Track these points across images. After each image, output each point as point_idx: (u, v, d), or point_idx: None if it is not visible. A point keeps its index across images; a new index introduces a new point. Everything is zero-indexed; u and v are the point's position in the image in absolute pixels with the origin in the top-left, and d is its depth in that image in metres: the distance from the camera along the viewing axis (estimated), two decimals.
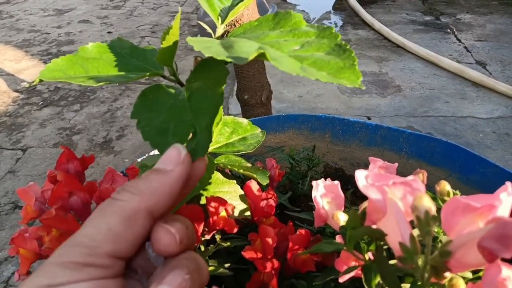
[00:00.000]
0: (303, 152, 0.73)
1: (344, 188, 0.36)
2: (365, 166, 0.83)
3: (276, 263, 0.40)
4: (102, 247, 0.20)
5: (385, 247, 0.27)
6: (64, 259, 0.19)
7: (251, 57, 0.21)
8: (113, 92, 1.90)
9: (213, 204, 0.39)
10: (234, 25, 0.85)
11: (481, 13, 2.70)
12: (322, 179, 0.35)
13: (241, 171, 0.43)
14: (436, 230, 0.22)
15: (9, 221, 1.20)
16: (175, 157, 0.23)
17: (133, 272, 0.24)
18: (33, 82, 0.30)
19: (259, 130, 0.47)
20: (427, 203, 0.22)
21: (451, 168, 0.70)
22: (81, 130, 1.63)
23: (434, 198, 0.32)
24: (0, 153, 1.50)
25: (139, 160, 0.56)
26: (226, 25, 0.33)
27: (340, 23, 2.63)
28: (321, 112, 1.65)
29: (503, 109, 1.64)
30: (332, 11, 2.86)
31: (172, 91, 0.27)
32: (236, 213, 0.43)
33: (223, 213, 0.39)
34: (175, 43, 0.27)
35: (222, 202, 0.39)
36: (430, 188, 0.31)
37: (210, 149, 0.44)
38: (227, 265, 0.42)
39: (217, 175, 0.44)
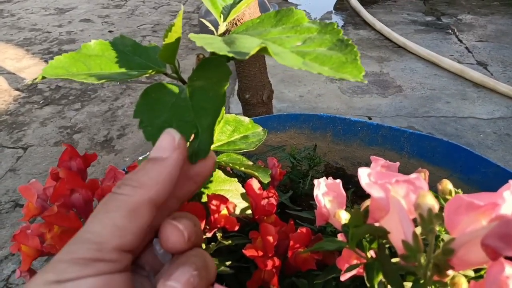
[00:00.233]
0: (304, 151, 0.73)
1: (345, 188, 0.36)
2: (366, 165, 0.82)
3: (277, 261, 0.40)
4: (109, 242, 0.20)
5: (387, 245, 0.27)
6: (72, 255, 0.19)
7: (252, 52, 0.21)
8: (114, 91, 1.90)
9: (214, 202, 0.39)
10: (236, 24, 0.85)
11: (482, 14, 2.70)
12: (324, 177, 0.35)
13: (243, 169, 0.43)
14: (438, 228, 0.22)
15: (9, 220, 1.20)
16: (169, 143, 0.23)
17: (141, 269, 0.24)
18: (35, 79, 0.30)
19: (261, 128, 0.47)
20: (430, 201, 0.22)
21: (452, 168, 0.70)
22: (82, 129, 1.63)
23: (436, 197, 0.32)
24: (1, 151, 1.50)
25: (140, 158, 0.56)
26: (228, 23, 0.33)
27: (341, 23, 2.63)
28: (322, 111, 1.65)
29: (504, 109, 1.64)
30: (333, 11, 2.86)
31: (175, 89, 0.27)
32: (237, 211, 0.43)
33: (224, 211, 0.39)
34: (178, 40, 0.27)
35: (223, 200, 0.39)
36: (432, 187, 0.31)
37: (212, 147, 0.44)
38: (228, 263, 0.42)
39: (218, 173, 0.44)
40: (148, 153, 0.61)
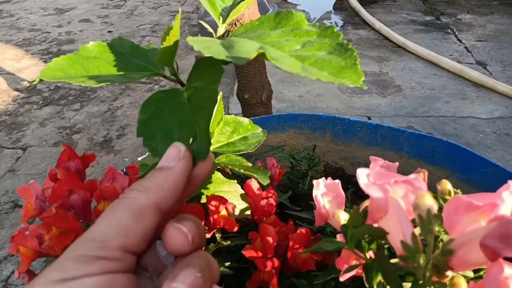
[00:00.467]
0: (304, 152, 0.73)
1: (344, 188, 0.36)
2: (366, 165, 0.82)
3: (276, 262, 0.40)
4: (113, 240, 0.20)
5: (386, 246, 0.27)
6: (76, 253, 0.20)
7: (251, 57, 0.21)
8: (113, 91, 1.90)
9: (213, 203, 0.39)
10: (235, 24, 0.85)
11: (481, 13, 2.70)
12: (323, 178, 0.35)
13: (242, 170, 0.43)
14: (437, 229, 0.22)
15: (8, 220, 1.20)
16: (175, 154, 0.23)
17: (144, 270, 0.24)
18: (33, 81, 0.30)
19: (260, 129, 0.47)
20: (429, 202, 0.22)
21: (452, 168, 0.70)
22: (81, 129, 1.63)
23: (435, 197, 0.32)
24: (0, 152, 1.50)
25: (139, 159, 0.56)
26: (227, 24, 0.33)
27: (340, 23, 2.63)
28: (321, 112, 1.65)
29: (503, 109, 1.64)
30: (332, 11, 2.86)
31: (173, 93, 0.27)
32: (236, 212, 0.43)
33: (223, 212, 0.39)
34: (176, 43, 0.27)
35: (222, 201, 0.39)
36: (431, 187, 0.31)
37: (211, 148, 0.44)
38: (227, 264, 0.42)
39: (217, 175, 0.44)
40: (147, 154, 0.61)
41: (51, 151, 1.50)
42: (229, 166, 0.43)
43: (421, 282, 0.22)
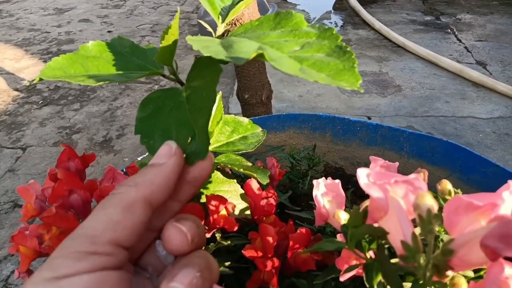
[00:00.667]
0: (304, 152, 0.73)
1: (344, 188, 0.36)
2: (366, 165, 0.82)
3: (276, 262, 0.40)
4: (103, 235, 0.20)
5: (386, 245, 0.27)
6: (67, 250, 0.20)
7: (250, 58, 0.21)
8: (113, 91, 1.90)
9: (213, 202, 0.39)
10: (235, 24, 0.85)
11: (481, 13, 2.70)
12: (323, 178, 0.35)
13: (242, 170, 0.43)
14: (437, 229, 0.22)
15: (8, 220, 1.20)
16: (167, 151, 0.24)
17: (143, 270, 0.24)
18: (33, 80, 0.30)
19: (260, 129, 0.47)
20: (429, 202, 0.22)
21: (452, 167, 0.70)
22: (81, 129, 1.63)
23: (435, 197, 0.32)
24: (0, 151, 1.50)
25: (139, 158, 0.56)
26: (226, 24, 0.33)
27: (340, 22, 2.63)
28: (321, 111, 1.65)
29: (503, 109, 1.64)
30: (332, 11, 2.86)
31: (172, 93, 0.27)
32: (236, 212, 0.43)
33: (223, 212, 0.39)
34: (175, 42, 0.27)
35: (222, 200, 0.39)
36: (431, 187, 0.31)
37: (211, 148, 0.44)
38: (227, 263, 0.41)
39: (217, 174, 0.44)
40: (147, 154, 0.61)
41: (50, 151, 1.50)
42: (229, 166, 0.43)
43: (421, 282, 0.22)
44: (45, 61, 2.22)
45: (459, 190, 0.33)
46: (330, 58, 0.21)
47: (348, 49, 0.22)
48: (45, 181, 0.43)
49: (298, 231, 0.41)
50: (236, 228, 0.40)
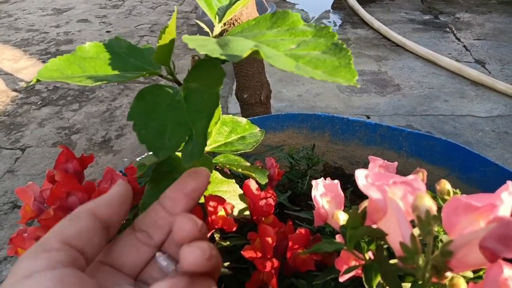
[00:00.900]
0: (303, 151, 0.73)
1: (343, 187, 0.36)
2: (365, 165, 0.83)
3: (275, 263, 0.39)
4: (52, 236, 0.23)
5: (385, 246, 0.27)
6: (25, 256, 0.22)
7: (244, 55, 0.21)
8: (112, 91, 1.90)
9: (211, 203, 0.38)
10: (233, 24, 0.85)
11: (480, 12, 2.70)
12: (322, 178, 0.35)
13: (240, 170, 0.42)
14: (436, 229, 0.22)
15: (8, 221, 1.20)
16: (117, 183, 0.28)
17: (144, 284, 0.26)
18: (30, 82, 0.30)
19: (258, 129, 0.47)
20: (428, 203, 0.22)
21: (451, 167, 0.70)
22: (80, 130, 1.63)
23: (434, 197, 0.32)
24: None
25: (138, 159, 0.56)
26: (224, 24, 0.33)
27: (339, 22, 2.63)
28: (320, 111, 1.65)
29: (502, 107, 1.64)
30: (331, 10, 2.86)
31: (170, 91, 0.27)
32: (235, 212, 0.43)
33: (221, 212, 0.39)
34: (172, 41, 0.27)
35: (220, 201, 0.39)
36: (430, 187, 0.31)
37: (209, 148, 0.43)
38: (226, 264, 0.41)
39: (216, 175, 0.44)
40: (146, 154, 0.61)
41: (50, 152, 1.50)
42: (227, 166, 0.43)
43: (420, 283, 0.22)
44: (43, 62, 2.21)
45: (457, 190, 0.33)
46: (326, 55, 0.21)
47: (344, 46, 0.22)
48: (43, 182, 0.43)
49: (297, 231, 0.41)
50: (235, 229, 0.40)
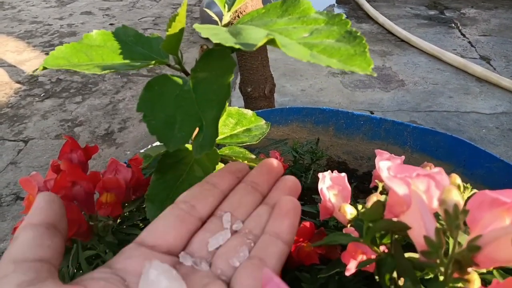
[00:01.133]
0: (307, 145, 0.73)
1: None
2: (369, 160, 0.82)
3: None
4: (3, 262, 0.22)
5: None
6: None
7: (260, 44, 0.20)
8: (115, 84, 1.89)
9: None
10: (238, 16, 0.84)
11: (486, 8, 2.68)
12: (329, 171, 0.35)
13: (245, 162, 0.42)
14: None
15: (10, 212, 1.20)
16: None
17: (192, 257, 0.25)
18: (36, 69, 0.29)
19: (264, 121, 0.47)
20: (456, 197, 0.21)
21: (456, 162, 0.70)
22: (83, 122, 1.63)
23: None
24: (2, 144, 1.50)
25: (141, 151, 0.55)
26: (231, 14, 0.32)
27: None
28: (324, 106, 1.65)
29: (506, 104, 1.63)
30: (335, 5, 2.84)
31: (178, 81, 0.27)
32: None
33: None
34: (181, 30, 0.27)
35: None
36: None
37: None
38: None
39: (220, 167, 0.43)
40: (149, 146, 0.60)
41: (52, 144, 1.50)
42: (233, 158, 0.43)
43: (442, 278, 0.22)
44: (47, 54, 2.21)
45: (468, 185, 0.33)
46: (341, 43, 0.21)
47: (358, 34, 0.21)
48: (47, 173, 0.43)
49: (301, 225, 0.41)
50: None
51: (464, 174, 0.68)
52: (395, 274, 0.25)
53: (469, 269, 0.22)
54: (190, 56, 2.11)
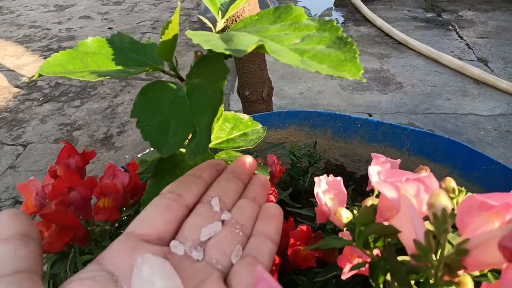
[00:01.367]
0: (304, 149, 0.73)
1: (345, 185, 0.36)
2: (366, 162, 0.82)
3: (277, 259, 0.39)
4: None
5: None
6: None
7: (249, 49, 0.21)
8: (114, 88, 1.90)
9: None
10: (235, 20, 0.85)
11: (483, 10, 2.69)
12: (325, 175, 0.35)
13: None
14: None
15: None
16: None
17: (182, 244, 0.25)
18: (32, 77, 0.29)
19: (260, 126, 0.47)
20: (445, 201, 0.22)
21: (453, 165, 0.70)
22: (82, 126, 1.63)
23: None
24: (0, 148, 1.50)
25: (139, 155, 0.55)
26: (227, 20, 0.33)
27: (341, 19, 2.62)
28: (322, 108, 1.65)
29: (504, 106, 1.64)
30: (333, 8, 2.85)
31: (173, 86, 0.27)
32: None
33: None
34: (175, 37, 0.27)
35: None
36: None
37: (211, 144, 0.43)
38: None
39: None
40: (148, 150, 0.60)
41: (51, 148, 1.50)
42: (229, 163, 0.43)
43: (432, 281, 0.22)
44: (45, 58, 2.21)
45: (463, 188, 0.33)
46: (331, 49, 0.21)
47: (349, 40, 0.21)
48: (45, 178, 0.43)
49: (298, 228, 0.41)
50: None
51: (462, 176, 0.68)
52: (388, 277, 0.25)
53: (460, 272, 0.22)
54: (188, 59, 2.12)
